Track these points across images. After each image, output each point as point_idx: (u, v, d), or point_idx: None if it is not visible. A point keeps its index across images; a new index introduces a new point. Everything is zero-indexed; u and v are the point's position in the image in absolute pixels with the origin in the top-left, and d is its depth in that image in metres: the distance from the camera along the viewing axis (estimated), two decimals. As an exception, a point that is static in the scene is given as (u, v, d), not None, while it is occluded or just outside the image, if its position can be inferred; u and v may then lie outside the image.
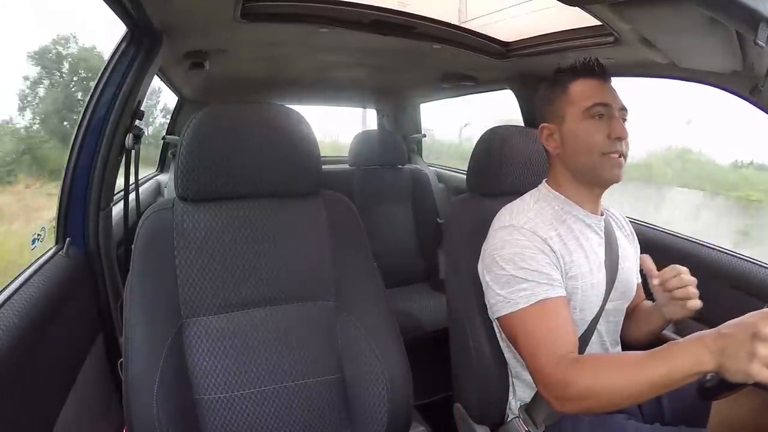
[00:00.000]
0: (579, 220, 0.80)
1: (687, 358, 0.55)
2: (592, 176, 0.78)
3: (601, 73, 0.79)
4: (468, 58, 1.32)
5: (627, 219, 0.94)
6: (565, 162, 0.81)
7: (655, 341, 0.73)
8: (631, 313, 0.88)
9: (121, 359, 0.70)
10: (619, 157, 0.76)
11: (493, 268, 0.76)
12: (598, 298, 0.78)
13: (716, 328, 0.56)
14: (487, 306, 0.78)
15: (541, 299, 0.71)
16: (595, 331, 0.79)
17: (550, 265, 0.73)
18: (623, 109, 0.78)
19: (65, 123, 2.26)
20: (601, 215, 0.83)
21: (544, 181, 0.86)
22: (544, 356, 0.68)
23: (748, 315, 0.54)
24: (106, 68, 0.97)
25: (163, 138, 2.20)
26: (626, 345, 0.88)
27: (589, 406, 0.65)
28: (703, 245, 1.09)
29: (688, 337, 0.58)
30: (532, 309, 0.71)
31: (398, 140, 2.04)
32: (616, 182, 0.78)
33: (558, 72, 0.82)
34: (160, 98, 2.57)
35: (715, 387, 0.61)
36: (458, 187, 2.10)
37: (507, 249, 0.75)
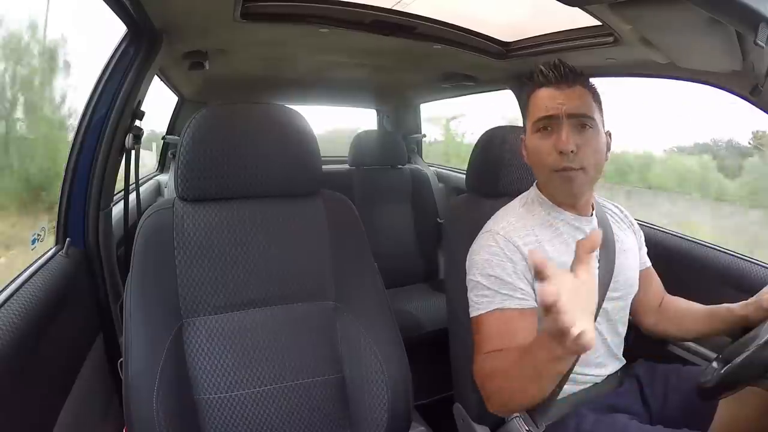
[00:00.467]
0: (568, 224, 0.80)
1: (543, 351, 0.56)
2: (549, 192, 0.79)
3: (557, 79, 0.74)
4: (468, 58, 1.32)
5: (620, 207, 0.93)
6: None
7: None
8: (676, 313, 0.89)
9: (121, 359, 0.70)
10: (570, 171, 0.72)
11: (468, 272, 0.78)
12: None
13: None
14: None
15: (497, 308, 0.72)
16: (595, 331, 0.79)
17: (516, 275, 0.73)
18: (578, 115, 0.72)
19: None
20: (592, 214, 0.82)
21: (535, 182, 0.85)
22: (480, 356, 0.71)
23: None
24: (105, 68, 0.97)
25: (163, 138, 2.19)
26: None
27: (494, 394, 0.68)
28: (707, 245, 1.09)
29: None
30: (488, 316, 0.73)
31: (398, 140, 2.04)
32: (576, 198, 0.77)
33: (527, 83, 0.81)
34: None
35: (714, 387, 0.61)
36: (458, 187, 2.10)
37: (480, 254, 0.76)
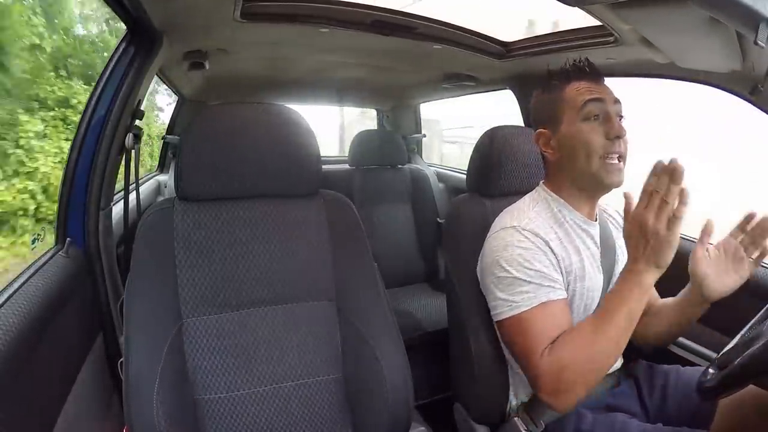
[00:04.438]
0: (577, 224, 0.80)
1: (633, 291, 0.61)
2: (591, 182, 0.77)
3: (593, 73, 0.78)
4: (468, 58, 1.32)
5: (620, 213, 0.93)
6: (563, 168, 0.80)
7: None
8: (655, 310, 0.87)
9: (121, 359, 0.70)
10: (619, 160, 0.74)
11: (495, 270, 0.75)
12: (595, 302, 0.79)
13: (626, 255, 0.65)
14: (490, 310, 0.78)
15: (543, 302, 0.71)
16: None
17: (551, 266, 0.73)
18: (617, 102, 0.77)
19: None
20: (596, 220, 0.82)
21: (541, 182, 0.85)
22: (538, 354, 0.69)
23: (626, 227, 0.64)
24: (106, 68, 0.97)
25: (163, 138, 2.20)
26: (643, 346, 0.88)
27: (577, 380, 0.66)
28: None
29: (618, 279, 0.65)
30: (533, 312, 0.71)
31: (398, 140, 2.04)
32: (617, 187, 0.76)
33: (550, 76, 0.81)
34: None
35: (715, 386, 0.60)
36: (458, 187, 2.10)
37: (509, 251, 0.74)
